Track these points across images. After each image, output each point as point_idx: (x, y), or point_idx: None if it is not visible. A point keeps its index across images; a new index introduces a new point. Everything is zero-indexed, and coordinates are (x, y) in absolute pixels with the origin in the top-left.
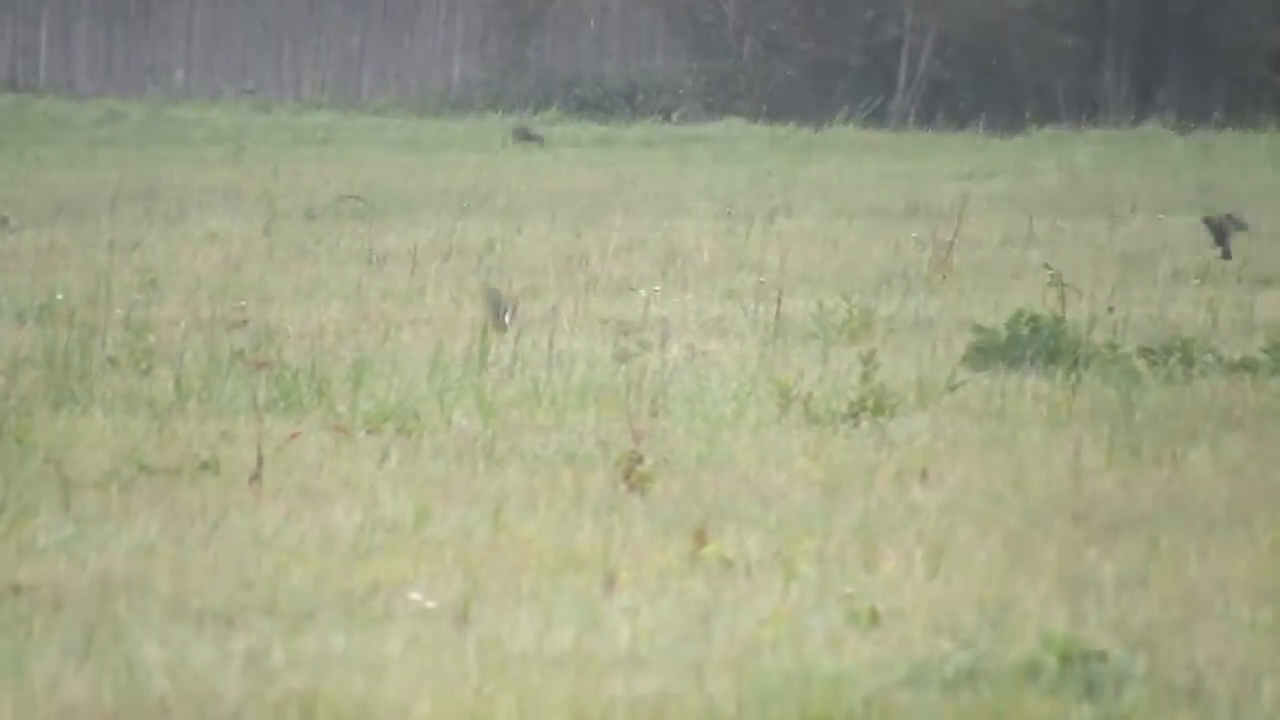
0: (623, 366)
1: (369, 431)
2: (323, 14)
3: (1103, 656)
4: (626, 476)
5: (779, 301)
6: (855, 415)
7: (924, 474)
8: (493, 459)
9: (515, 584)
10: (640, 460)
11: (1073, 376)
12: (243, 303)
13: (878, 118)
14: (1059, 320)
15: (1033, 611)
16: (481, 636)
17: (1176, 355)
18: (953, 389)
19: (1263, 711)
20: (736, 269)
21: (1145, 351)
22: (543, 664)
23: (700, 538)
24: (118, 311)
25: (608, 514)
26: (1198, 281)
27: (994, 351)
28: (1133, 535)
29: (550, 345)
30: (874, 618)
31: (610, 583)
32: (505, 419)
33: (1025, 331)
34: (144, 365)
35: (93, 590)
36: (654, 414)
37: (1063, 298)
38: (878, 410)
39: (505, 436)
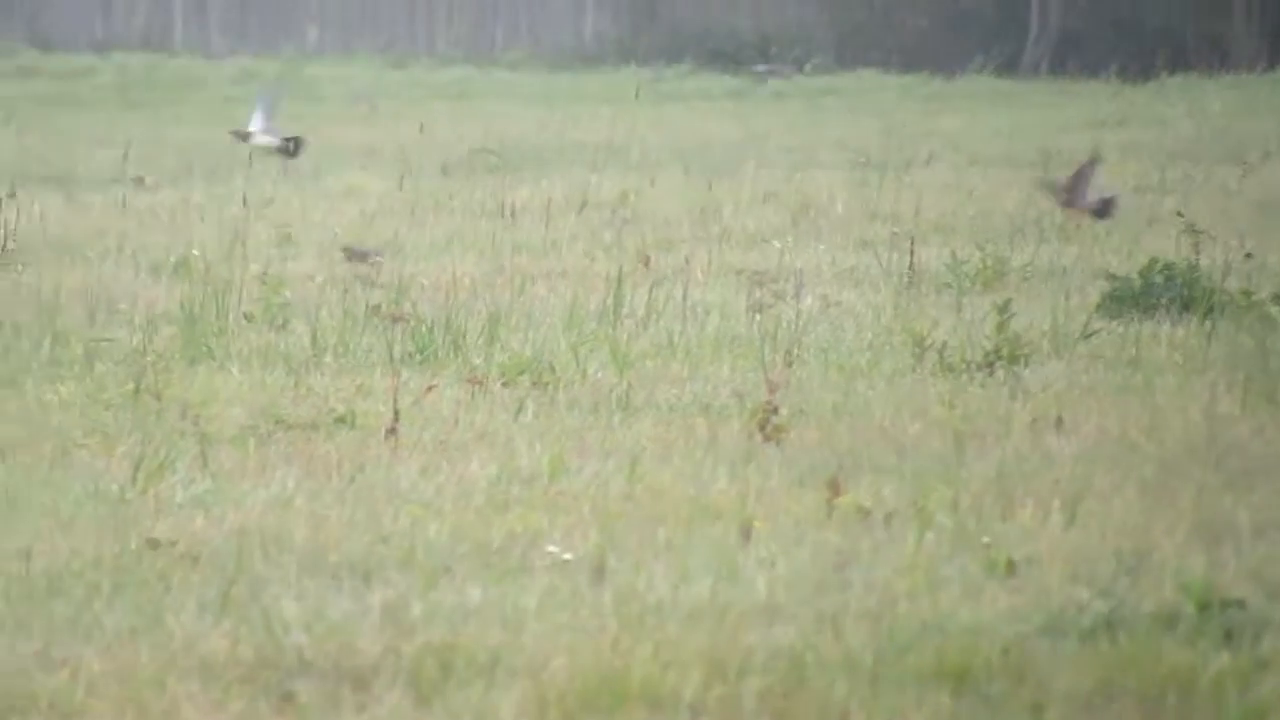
0: (757, 317)
1: (504, 384)
2: None
3: (1241, 604)
4: (762, 427)
5: (912, 251)
6: (990, 364)
7: (1059, 422)
8: (628, 410)
9: (651, 535)
10: (775, 410)
11: (1207, 324)
12: (378, 257)
13: (1010, 67)
14: (1193, 267)
15: (1170, 559)
16: (618, 588)
17: None
18: (1087, 337)
19: None
20: (870, 219)
21: (1279, 298)
22: (679, 615)
23: (836, 487)
24: (253, 267)
25: (743, 464)
26: None
27: (1128, 299)
28: (1268, 481)
29: (684, 297)
30: (1010, 567)
31: (746, 533)
32: (640, 370)
33: (1159, 279)
34: (280, 320)
35: (230, 545)
36: (789, 364)
37: (1196, 245)
38: (1012, 359)
39: (640, 388)
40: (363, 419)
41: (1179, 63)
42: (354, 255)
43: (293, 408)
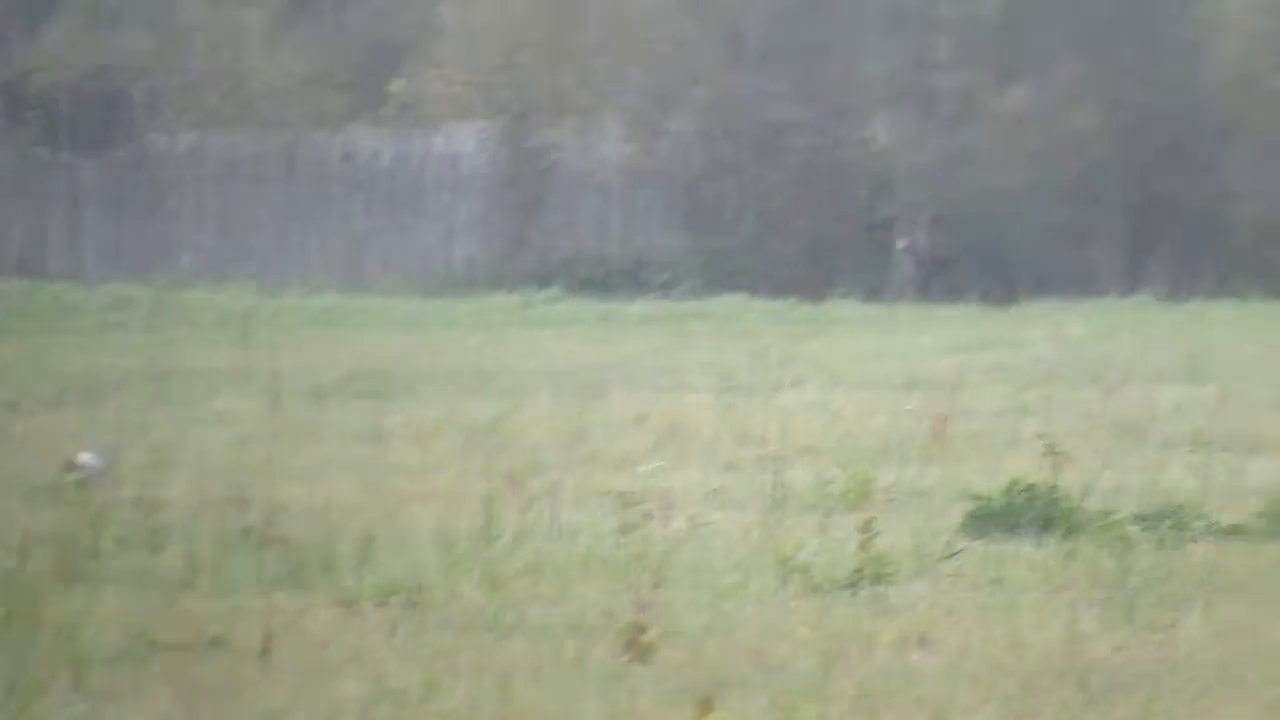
0: (626, 538)
1: (377, 605)
2: (328, 199)
3: None
4: (630, 646)
5: (778, 473)
6: (855, 583)
7: (923, 640)
8: (499, 631)
9: None
10: (643, 630)
11: (1067, 543)
12: (251, 481)
13: (876, 292)
14: (1053, 488)
15: None
16: None
17: (1169, 521)
18: (950, 556)
19: None
20: (738, 442)
21: (1139, 518)
22: None
23: (705, 706)
24: (128, 491)
25: (613, 684)
26: (1189, 449)
27: (990, 519)
28: (1128, 698)
29: (554, 519)
30: None
31: None
32: (511, 591)
33: (1020, 499)
34: (154, 543)
35: None
36: (657, 585)
37: (1056, 466)
38: (877, 578)
39: (511, 608)
40: (236, 641)
41: (1042, 288)
42: (71, 468)
43: (167, 630)
